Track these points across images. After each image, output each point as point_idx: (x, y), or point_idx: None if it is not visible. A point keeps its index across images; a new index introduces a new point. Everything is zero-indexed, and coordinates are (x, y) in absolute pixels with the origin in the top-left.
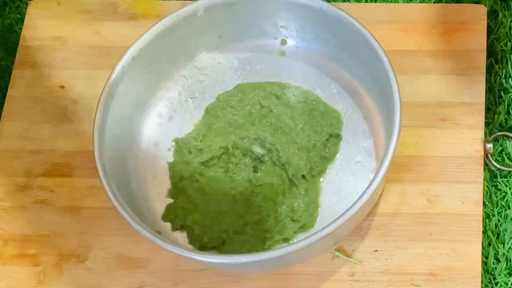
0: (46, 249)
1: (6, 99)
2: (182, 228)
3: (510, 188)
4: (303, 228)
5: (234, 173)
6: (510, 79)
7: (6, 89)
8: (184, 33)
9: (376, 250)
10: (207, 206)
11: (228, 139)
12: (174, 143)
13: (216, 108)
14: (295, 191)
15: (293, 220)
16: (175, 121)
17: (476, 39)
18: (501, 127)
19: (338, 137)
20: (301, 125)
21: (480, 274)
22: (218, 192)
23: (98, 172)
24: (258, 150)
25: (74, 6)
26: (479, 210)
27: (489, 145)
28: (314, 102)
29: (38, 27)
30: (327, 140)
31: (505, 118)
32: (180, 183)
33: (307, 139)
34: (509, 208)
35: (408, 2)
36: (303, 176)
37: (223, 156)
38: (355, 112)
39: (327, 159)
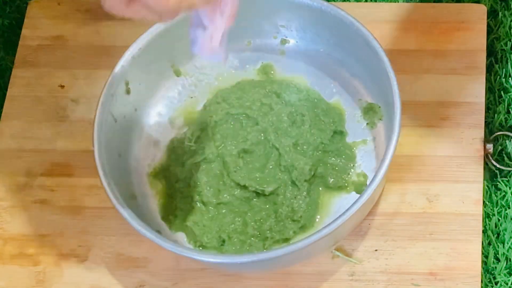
0: (46, 249)
1: (6, 99)
2: (181, 228)
3: (510, 188)
4: (303, 228)
5: (230, 174)
6: (510, 78)
7: (6, 89)
8: (184, 33)
9: (376, 250)
10: (206, 208)
11: (225, 139)
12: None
13: (212, 104)
14: (296, 192)
15: (293, 220)
16: (175, 121)
17: (476, 39)
18: (501, 127)
19: (342, 133)
20: (306, 124)
21: (480, 273)
22: (215, 193)
23: (98, 172)
24: (259, 152)
25: (74, 5)
26: (479, 210)
27: (489, 145)
28: (315, 100)
29: (38, 27)
30: (332, 137)
31: (505, 118)
32: (176, 184)
33: (312, 139)
34: (509, 208)
35: (408, 2)
36: (306, 180)
37: (218, 157)
38: (355, 111)
39: (333, 158)
